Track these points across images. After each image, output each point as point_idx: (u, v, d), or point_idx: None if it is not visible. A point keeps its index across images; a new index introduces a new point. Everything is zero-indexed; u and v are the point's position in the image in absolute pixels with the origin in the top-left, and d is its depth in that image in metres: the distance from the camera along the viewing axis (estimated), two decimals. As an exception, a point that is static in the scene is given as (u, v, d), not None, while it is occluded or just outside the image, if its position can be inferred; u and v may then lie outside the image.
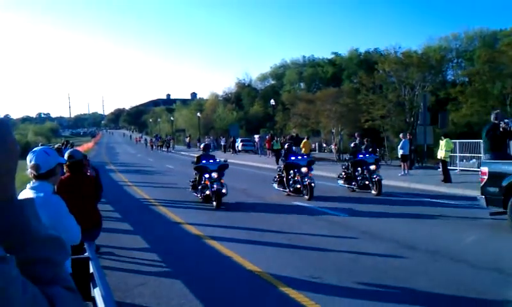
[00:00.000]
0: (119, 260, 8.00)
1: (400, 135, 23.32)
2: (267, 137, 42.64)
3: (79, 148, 16.12)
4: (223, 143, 53.69)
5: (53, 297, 0.99)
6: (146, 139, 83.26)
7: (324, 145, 49.10)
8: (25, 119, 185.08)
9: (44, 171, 3.51)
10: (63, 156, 6.13)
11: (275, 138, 35.15)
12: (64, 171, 6.23)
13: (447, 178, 17.58)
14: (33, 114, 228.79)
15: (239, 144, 51.09)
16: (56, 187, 3.82)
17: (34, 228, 1.06)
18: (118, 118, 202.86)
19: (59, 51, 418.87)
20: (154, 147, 68.99)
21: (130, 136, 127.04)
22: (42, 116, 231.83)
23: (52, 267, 1.06)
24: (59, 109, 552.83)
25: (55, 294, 1.01)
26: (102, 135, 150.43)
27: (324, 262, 7.48)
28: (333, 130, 40.18)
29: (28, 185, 3.52)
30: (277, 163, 30.86)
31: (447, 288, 6.04)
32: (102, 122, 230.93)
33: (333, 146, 37.41)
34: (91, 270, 4.32)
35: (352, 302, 5.75)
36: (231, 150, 49.32)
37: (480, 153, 21.38)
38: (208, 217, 12.01)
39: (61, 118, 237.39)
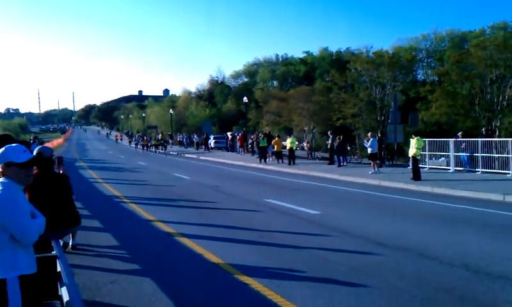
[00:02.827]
0: (88, 258, 7.87)
1: (369, 134, 23.53)
2: (239, 134, 42.69)
3: (48, 144, 15.87)
4: (195, 140, 53.47)
5: None
6: (132, 136, 69.61)
7: (296, 143, 49.45)
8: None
9: None
10: (32, 152, 5.99)
11: (260, 135, 34.71)
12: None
13: (416, 176, 17.85)
14: (1, 110, 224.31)
15: (211, 141, 50.98)
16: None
17: None
18: (89, 114, 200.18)
19: (28, 45, 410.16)
20: (147, 148, 54.51)
21: (107, 134, 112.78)
22: (11, 111, 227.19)
23: None
24: (29, 105, 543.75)
25: None
26: (73, 131, 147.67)
27: (296, 258, 7.50)
28: (306, 128, 40.45)
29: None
30: (261, 161, 30.32)
31: (418, 285, 6.13)
32: (73, 118, 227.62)
33: (305, 144, 37.58)
34: (59, 269, 4.24)
35: (319, 295, 5.77)
36: (203, 147, 49.17)
37: (449, 152, 21.82)
38: (180, 215, 11.91)
39: (30, 113, 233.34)
